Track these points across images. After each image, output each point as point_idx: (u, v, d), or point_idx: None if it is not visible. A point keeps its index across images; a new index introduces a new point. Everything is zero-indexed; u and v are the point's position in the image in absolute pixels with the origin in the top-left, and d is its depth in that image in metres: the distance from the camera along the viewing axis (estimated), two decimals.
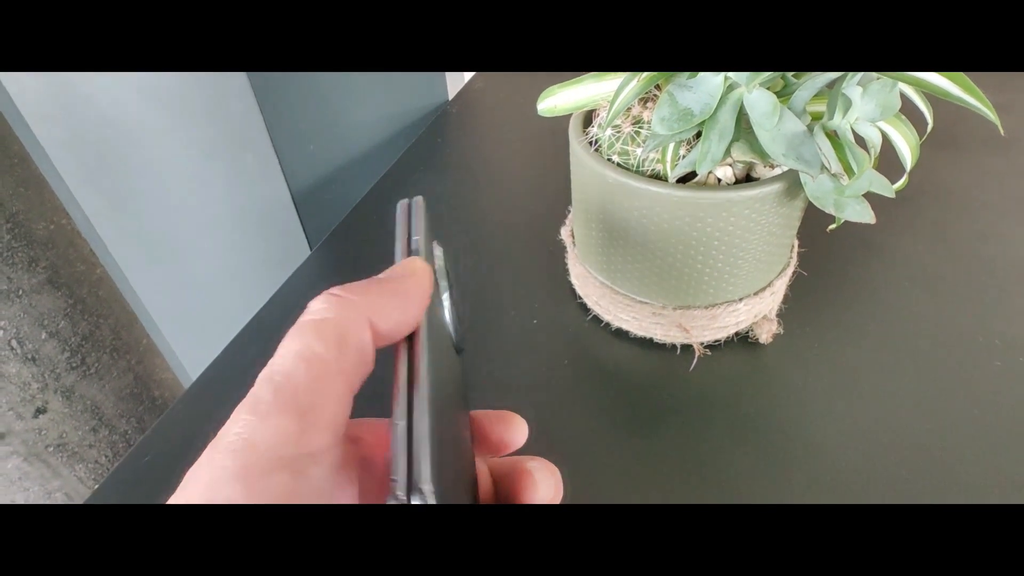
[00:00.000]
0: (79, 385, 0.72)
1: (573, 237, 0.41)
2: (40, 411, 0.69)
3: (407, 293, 0.16)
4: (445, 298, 0.19)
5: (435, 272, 0.19)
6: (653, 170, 0.33)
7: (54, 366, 0.69)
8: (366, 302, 0.16)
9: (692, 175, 0.33)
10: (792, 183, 0.31)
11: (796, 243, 0.39)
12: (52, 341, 0.70)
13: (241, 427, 0.14)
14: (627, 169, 0.33)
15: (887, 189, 0.31)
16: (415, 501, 0.14)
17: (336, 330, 0.15)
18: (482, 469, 0.22)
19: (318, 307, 0.16)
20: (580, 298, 0.42)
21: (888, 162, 0.32)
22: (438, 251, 0.20)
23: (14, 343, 0.67)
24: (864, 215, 0.30)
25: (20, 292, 0.66)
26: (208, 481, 0.14)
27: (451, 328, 0.20)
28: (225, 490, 0.13)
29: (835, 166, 0.28)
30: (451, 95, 0.71)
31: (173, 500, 0.14)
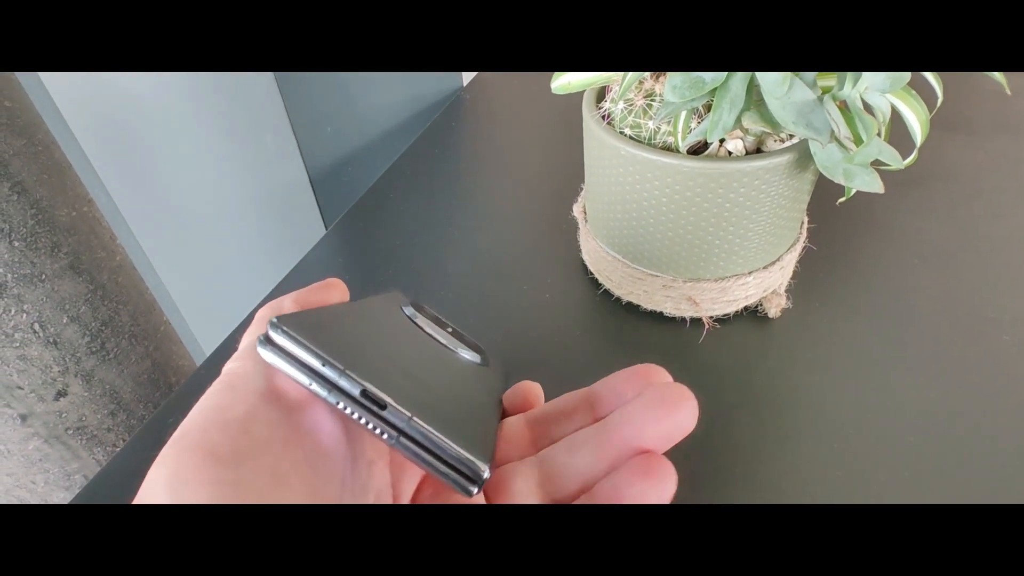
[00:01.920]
0: (99, 369, 0.73)
1: (585, 213, 0.42)
2: (61, 394, 0.70)
3: (317, 289, 0.25)
4: (449, 332, 0.28)
5: (423, 320, 0.28)
6: (664, 143, 0.33)
7: (75, 350, 0.71)
8: (291, 298, 0.24)
9: (703, 148, 0.34)
10: (802, 154, 0.32)
11: (806, 219, 0.40)
12: (73, 326, 0.71)
13: (226, 369, 0.20)
14: (639, 142, 0.34)
15: (896, 159, 0.31)
16: (270, 331, 0.18)
17: (274, 313, 0.22)
18: (515, 426, 0.25)
19: (261, 311, 0.23)
20: (591, 273, 0.43)
21: (899, 139, 0.32)
22: (419, 307, 0.29)
23: (36, 326, 0.68)
24: (873, 184, 0.31)
25: (43, 277, 0.68)
26: (207, 394, 0.19)
27: (456, 350, 0.27)
28: (217, 396, 0.19)
29: (844, 130, 0.29)
30: (465, 82, 0.72)
31: (184, 422, 0.18)
